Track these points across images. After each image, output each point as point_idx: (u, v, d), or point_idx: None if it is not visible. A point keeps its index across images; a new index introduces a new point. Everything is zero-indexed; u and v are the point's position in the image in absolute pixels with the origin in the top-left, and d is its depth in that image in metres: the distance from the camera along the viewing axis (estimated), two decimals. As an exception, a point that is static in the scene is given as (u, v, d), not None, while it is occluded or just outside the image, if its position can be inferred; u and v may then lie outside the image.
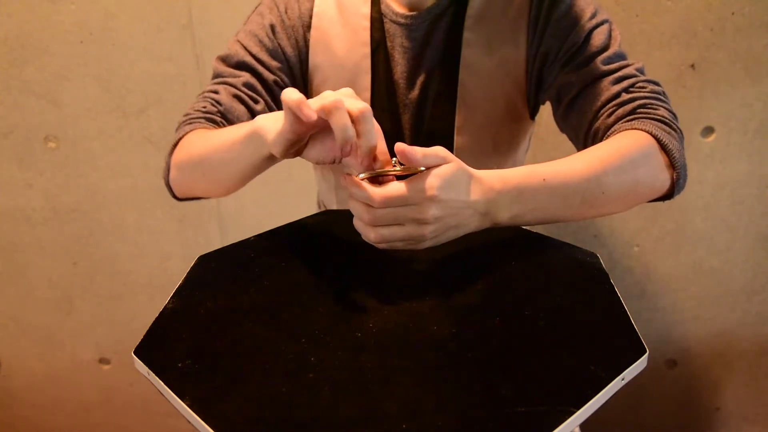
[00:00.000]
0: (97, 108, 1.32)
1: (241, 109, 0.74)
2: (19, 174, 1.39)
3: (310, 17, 0.78)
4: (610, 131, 0.67)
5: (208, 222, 1.43)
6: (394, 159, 0.53)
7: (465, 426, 0.38)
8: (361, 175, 0.53)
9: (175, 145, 0.72)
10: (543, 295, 0.54)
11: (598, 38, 0.70)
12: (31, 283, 1.51)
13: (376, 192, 0.51)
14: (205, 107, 0.74)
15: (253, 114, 0.75)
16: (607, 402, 0.42)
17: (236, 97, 0.74)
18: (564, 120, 0.75)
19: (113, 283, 1.50)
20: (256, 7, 0.80)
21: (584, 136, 0.72)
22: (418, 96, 0.78)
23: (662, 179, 0.64)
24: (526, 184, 0.58)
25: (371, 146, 0.51)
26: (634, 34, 1.19)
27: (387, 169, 0.53)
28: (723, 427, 1.55)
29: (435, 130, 0.79)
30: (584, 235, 1.37)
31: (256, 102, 0.75)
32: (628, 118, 0.67)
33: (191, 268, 0.61)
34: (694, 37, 1.18)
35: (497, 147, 0.81)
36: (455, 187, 0.53)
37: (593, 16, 0.71)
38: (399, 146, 0.51)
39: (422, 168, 0.52)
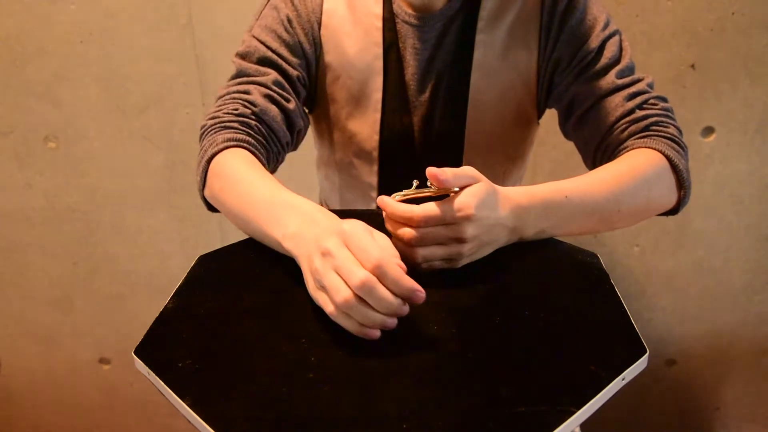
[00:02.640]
0: (97, 108, 1.32)
1: (274, 109, 0.71)
2: (19, 174, 1.39)
3: (320, 14, 0.76)
4: (622, 146, 0.69)
5: (208, 222, 1.43)
6: (428, 182, 0.54)
7: (465, 426, 0.38)
8: (396, 197, 0.54)
9: (209, 160, 0.67)
10: (543, 295, 0.54)
11: (610, 49, 0.71)
12: (31, 283, 1.51)
13: (416, 211, 0.52)
14: (236, 109, 0.70)
15: (285, 114, 0.72)
16: (607, 402, 0.42)
17: (268, 97, 0.71)
18: (575, 131, 0.76)
19: (113, 283, 1.50)
20: (267, 1, 0.77)
21: (595, 149, 0.73)
22: (429, 97, 0.78)
23: (671, 197, 0.67)
24: (551, 200, 0.59)
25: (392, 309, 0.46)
26: (634, 34, 1.19)
27: (421, 190, 0.54)
28: (723, 427, 1.55)
29: (445, 131, 0.79)
30: (584, 236, 1.37)
31: (287, 101, 0.73)
32: (640, 135, 0.68)
33: (191, 268, 0.61)
34: (694, 37, 1.18)
35: (506, 149, 0.81)
36: (488, 206, 0.54)
37: (606, 26, 0.72)
38: (430, 170, 0.52)
39: (455, 189, 0.53)
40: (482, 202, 0.53)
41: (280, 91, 0.72)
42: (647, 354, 0.45)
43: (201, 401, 0.41)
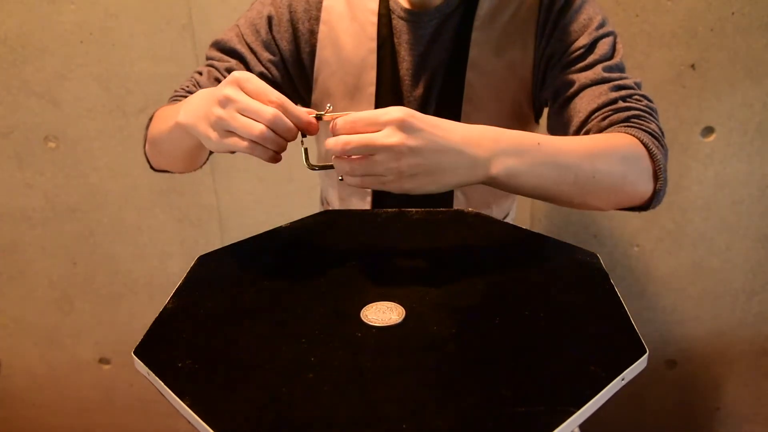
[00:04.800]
0: (97, 108, 1.32)
1: None
2: (19, 174, 1.39)
3: (319, 10, 0.78)
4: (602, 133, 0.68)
5: (208, 222, 1.43)
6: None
7: (465, 426, 0.38)
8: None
9: (150, 118, 0.75)
10: (543, 295, 0.54)
11: (602, 47, 0.71)
12: (31, 283, 1.51)
13: (341, 119, 0.53)
14: (187, 86, 0.77)
15: None
16: (607, 402, 0.42)
17: (217, 80, 0.76)
18: (557, 116, 0.75)
19: (113, 283, 1.50)
20: None
21: (573, 134, 0.72)
22: (423, 93, 0.78)
23: (646, 185, 0.65)
24: (521, 140, 0.57)
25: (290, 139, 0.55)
26: (634, 34, 1.19)
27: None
28: (723, 427, 1.55)
29: None
30: (584, 235, 1.37)
31: None
32: (622, 125, 0.67)
33: (191, 268, 0.61)
34: (694, 37, 1.18)
35: None
36: (428, 121, 0.52)
37: (601, 26, 0.72)
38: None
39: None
40: (416, 114, 0.51)
41: None
42: (647, 354, 0.45)
43: (201, 401, 0.41)
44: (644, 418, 1.55)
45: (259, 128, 0.52)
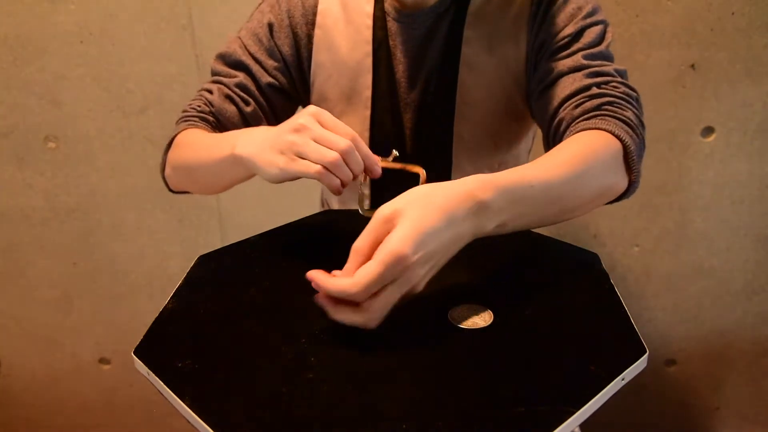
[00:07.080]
0: (97, 108, 1.32)
1: (231, 109, 0.76)
2: (19, 174, 1.39)
3: (315, 14, 0.78)
4: (573, 123, 0.66)
5: (208, 222, 1.43)
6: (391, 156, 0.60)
7: (465, 426, 0.38)
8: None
9: (170, 142, 0.75)
10: (543, 295, 0.54)
11: (589, 36, 0.70)
12: (31, 283, 1.51)
13: (352, 282, 0.44)
14: (199, 106, 0.77)
15: (243, 115, 0.77)
16: (607, 402, 0.42)
17: (228, 97, 0.76)
18: (536, 107, 0.74)
19: (113, 283, 1.50)
20: (260, 4, 0.81)
21: (549, 123, 0.71)
22: (419, 93, 0.78)
23: (623, 181, 0.63)
24: (515, 189, 0.51)
25: (359, 173, 0.57)
26: (634, 34, 1.19)
27: (394, 163, 0.60)
28: (723, 427, 1.55)
29: (435, 127, 0.79)
30: (584, 235, 1.37)
31: (247, 104, 0.77)
32: (592, 113, 0.65)
33: (191, 268, 0.61)
34: (694, 37, 1.18)
35: (498, 145, 0.81)
36: (429, 233, 0.45)
37: (589, 14, 0.71)
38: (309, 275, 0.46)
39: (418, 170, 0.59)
40: (419, 237, 0.44)
41: (241, 94, 0.77)
42: (647, 354, 0.45)
43: (200, 401, 0.41)
44: (644, 418, 1.55)
45: (332, 155, 0.54)
